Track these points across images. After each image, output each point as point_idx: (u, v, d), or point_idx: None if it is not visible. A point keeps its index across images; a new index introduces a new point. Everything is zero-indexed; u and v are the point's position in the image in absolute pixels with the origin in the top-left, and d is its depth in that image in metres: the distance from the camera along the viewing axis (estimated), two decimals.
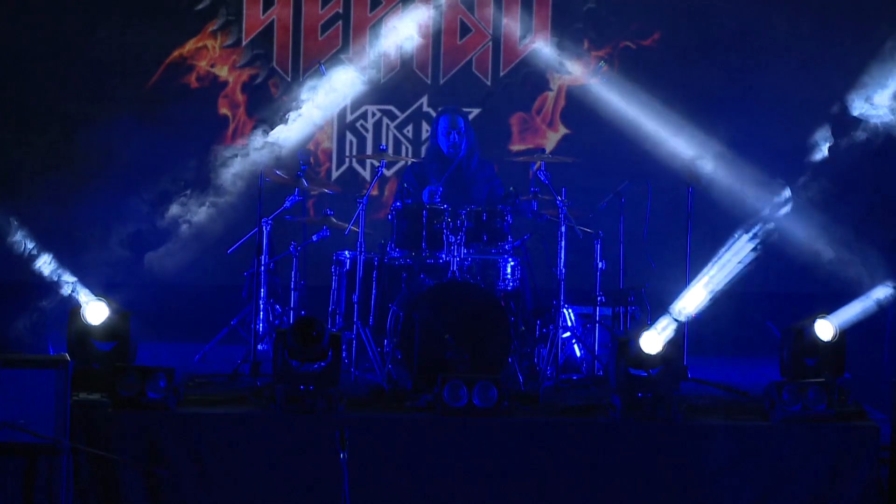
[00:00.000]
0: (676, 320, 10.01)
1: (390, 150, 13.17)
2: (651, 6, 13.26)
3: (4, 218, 11.00)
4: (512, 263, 11.11)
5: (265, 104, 13.18)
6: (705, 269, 10.44)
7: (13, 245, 10.62)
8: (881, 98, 11.33)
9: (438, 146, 11.66)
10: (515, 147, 13.33)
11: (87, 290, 10.31)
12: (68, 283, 10.36)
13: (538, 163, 11.39)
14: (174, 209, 13.00)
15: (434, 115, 13.09)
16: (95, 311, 10.13)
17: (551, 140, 13.36)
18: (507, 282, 11.06)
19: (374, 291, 11.17)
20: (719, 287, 10.39)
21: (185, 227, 12.87)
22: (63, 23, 13.07)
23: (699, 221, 11.18)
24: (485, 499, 9.50)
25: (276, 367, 9.73)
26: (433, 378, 9.81)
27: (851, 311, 10.31)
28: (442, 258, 10.92)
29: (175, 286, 12.69)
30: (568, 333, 11.20)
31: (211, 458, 9.45)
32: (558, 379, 10.76)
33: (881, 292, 10.32)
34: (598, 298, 11.33)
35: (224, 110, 13.28)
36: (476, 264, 11.03)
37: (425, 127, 13.33)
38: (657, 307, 10.84)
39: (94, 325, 10.11)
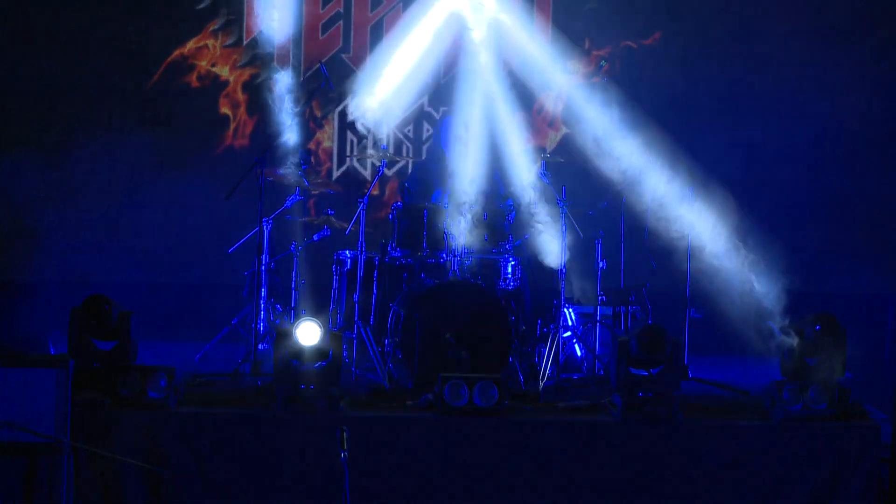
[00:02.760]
0: None
1: (391, 150, 13.16)
2: (652, 6, 13.25)
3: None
4: (512, 263, 11.11)
5: (266, 104, 13.17)
6: None
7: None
8: None
9: (443, 149, 11.63)
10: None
11: None
12: None
13: (539, 162, 11.40)
14: (175, 209, 13.00)
15: (434, 114, 13.09)
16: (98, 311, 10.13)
17: (552, 139, 13.35)
18: (507, 281, 11.06)
19: (374, 291, 11.17)
20: None
21: (185, 227, 12.88)
22: (64, 22, 13.07)
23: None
24: (486, 497, 9.49)
25: (276, 366, 9.73)
26: (434, 377, 9.80)
27: None
28: (443, 258, 10.92)
29: (176, 285, 12.69)
30: (569, 333, 11.20)
31: (211, 457, 9.45)
32: (559, 378, 10.75)
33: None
34: (599, 298, 11.33)
35: (225, 110, 13.28)
36: (477, 264, 11.03)
37: (426, 126, 13.31)
38: (658, 307, 10.83)
39: (97, 325, 10.09)
